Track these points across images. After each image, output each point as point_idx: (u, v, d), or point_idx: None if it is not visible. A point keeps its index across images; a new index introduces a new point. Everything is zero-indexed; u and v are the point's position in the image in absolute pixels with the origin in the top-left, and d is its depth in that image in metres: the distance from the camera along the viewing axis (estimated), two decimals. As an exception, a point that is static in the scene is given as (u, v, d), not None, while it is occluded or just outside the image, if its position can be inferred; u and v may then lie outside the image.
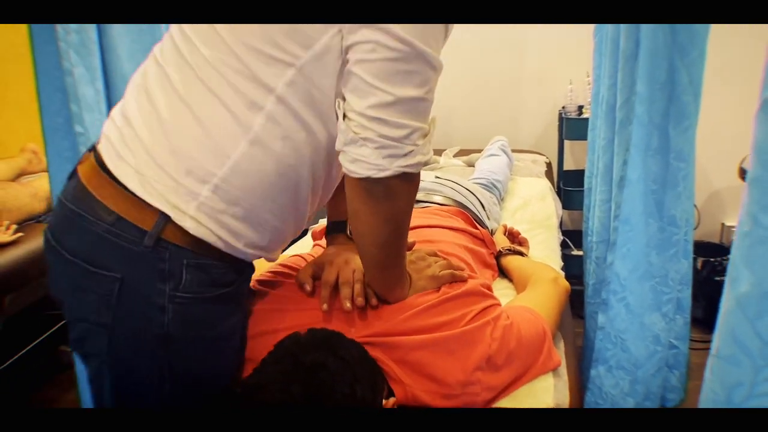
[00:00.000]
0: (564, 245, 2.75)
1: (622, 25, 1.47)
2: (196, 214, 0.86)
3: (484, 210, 1.64)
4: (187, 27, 0.88)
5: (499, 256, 1.51)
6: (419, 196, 1.62)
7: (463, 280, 1.09)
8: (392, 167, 0.85)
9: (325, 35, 0.82)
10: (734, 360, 0.60)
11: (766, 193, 0.54)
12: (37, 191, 2.26)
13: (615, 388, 1.59)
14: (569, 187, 2.58)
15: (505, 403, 1.03)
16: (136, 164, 0.85)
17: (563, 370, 1.13)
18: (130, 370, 0.92)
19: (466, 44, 2.75)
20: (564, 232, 2.79)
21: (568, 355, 1.19)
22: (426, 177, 1.72)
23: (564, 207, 2.70)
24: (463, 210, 1.56)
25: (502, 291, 1.40)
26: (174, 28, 0.91)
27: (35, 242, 2.05)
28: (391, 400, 0.92)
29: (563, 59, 2.68)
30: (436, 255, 1.15)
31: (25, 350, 2.25)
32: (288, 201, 0.92)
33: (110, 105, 1.44)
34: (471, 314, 1.00)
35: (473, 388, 0.96)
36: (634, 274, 1.45)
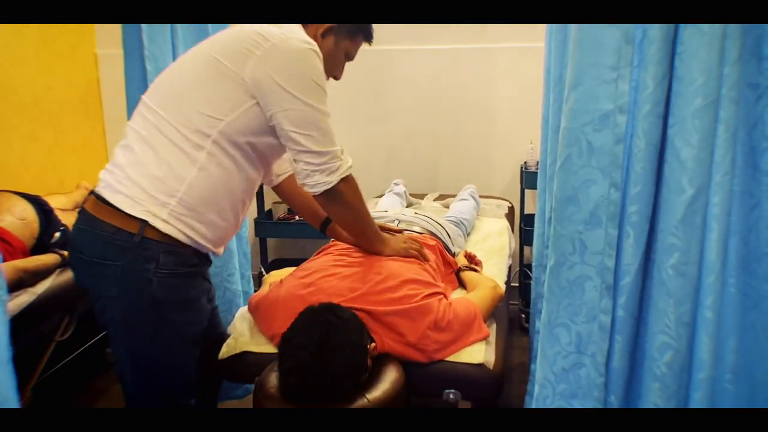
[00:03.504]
0: (525, 276, 3.30)
1: (551, 105, 2.03)
2: (167, 217, 1.35)
3: (450, 238, 2.21)
4: (149, 101, 1.41)
5: (458, 271, 2.06)
6: (403, 225, 2.18)
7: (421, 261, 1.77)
8: (333, 179, 1.44)
9: (244, 105, 1.36)
10: (547, 296, 1.16)
11: (559, 212, 1.11)
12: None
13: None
14: (529, 227, 3.12)
15: (452, 357, 1.58)
16: (127, 192, 1.35)
17: (492, 340, 1.68)
18: (137, 327, 1.42)
19: (448, 109, 3.35)
20: (526, 265, 3.35)
21: (498, 333, 1.74)
22: (407, 212, 2.30)
23: (525, 243, 3.25)
24: (434, 237, 2.12)
25: (459, 296, 1.94)
26: (141, 104, 1.43)
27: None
28: (372, 344, 1.47)
29: (526, 123, 3.19)
30: (417, 241, 1.82)
31: (80, 350, 2.75)
32: (226, 206, 1.44)
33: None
34: (422, 294, 1.57)
35: (425, 341, 1.52)
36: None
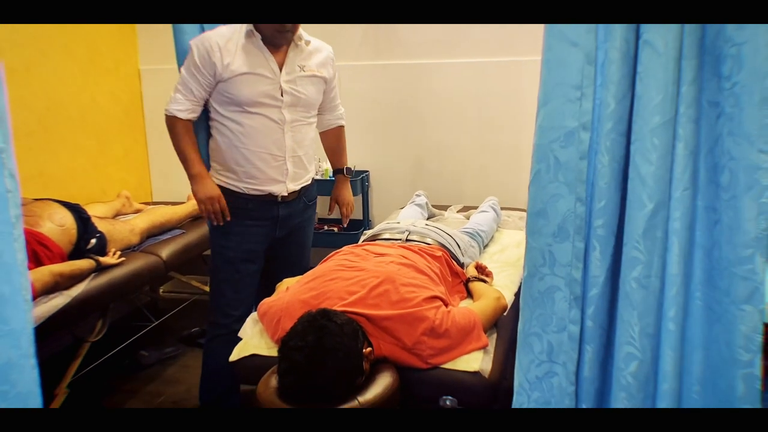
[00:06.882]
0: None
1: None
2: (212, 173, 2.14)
3: (460, 249, 2.26)
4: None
5: (468, 281, 2.10)
6: (414, 237, 2.24)
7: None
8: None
9: None
10: (522, 305, 1.19)
11: (531, 225, 1.15)
12: (134, 227, 2.93)
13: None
14: (553, 239, 3.12)
15: (449, 365, 1.62)
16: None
17: (491, 349, 1.71)
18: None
19: (475, 121, 3.39)
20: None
21: (499, 343, 1.77)
22: (418, 224, 2.35)
23: (550, 256, 3.25)
24: (442, 248, 2.17)
25: (463, 305, 1.98)
26: None
27: (132, 265, 2.71)
28: (368, 349, 1.54)
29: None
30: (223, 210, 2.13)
31: (113, 351, 2.90)
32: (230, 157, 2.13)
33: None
34: (419, 297, 1.62)
35: (420, 347, 1.58)
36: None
